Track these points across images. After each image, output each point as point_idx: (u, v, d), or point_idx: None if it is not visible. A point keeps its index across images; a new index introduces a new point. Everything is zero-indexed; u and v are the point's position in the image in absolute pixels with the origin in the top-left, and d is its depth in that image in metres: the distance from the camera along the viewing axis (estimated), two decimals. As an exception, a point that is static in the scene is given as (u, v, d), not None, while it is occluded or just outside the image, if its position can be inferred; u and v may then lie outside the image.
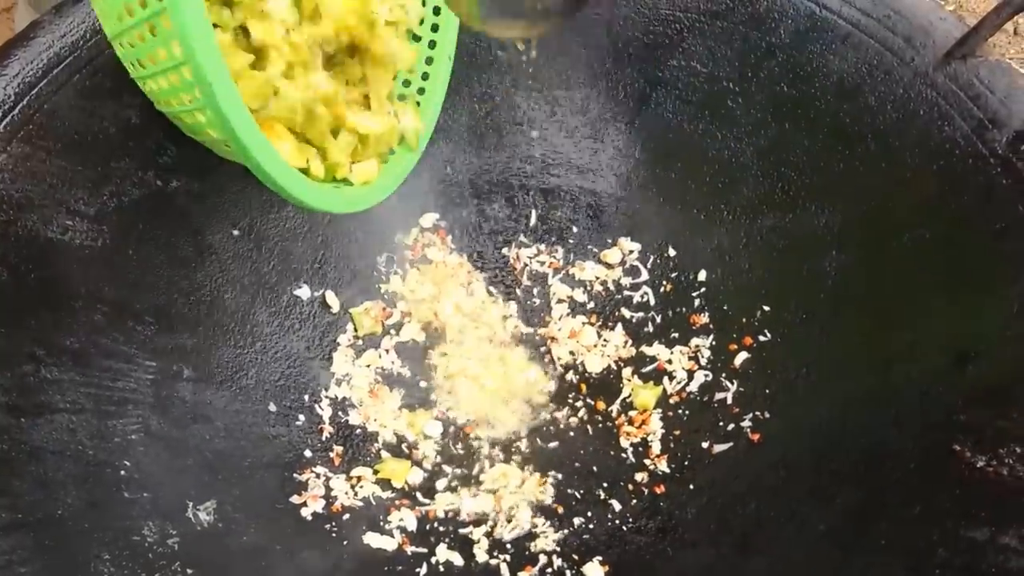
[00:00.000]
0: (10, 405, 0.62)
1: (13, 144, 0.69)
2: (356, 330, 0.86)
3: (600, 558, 0.72)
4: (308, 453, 0.78)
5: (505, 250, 0.93)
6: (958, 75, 0.74)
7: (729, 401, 0.79)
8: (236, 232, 0.82)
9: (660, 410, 0.81)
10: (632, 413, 0.82)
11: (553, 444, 0.81)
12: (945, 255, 0.71)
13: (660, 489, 0.76)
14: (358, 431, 0.81)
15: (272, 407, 0.79)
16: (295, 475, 0.76)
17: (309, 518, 0.74)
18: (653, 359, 0.84)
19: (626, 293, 0.89)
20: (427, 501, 0.77)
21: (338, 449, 0.79)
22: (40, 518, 0.59)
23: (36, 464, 0.61)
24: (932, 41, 0.76)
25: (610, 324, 0.88)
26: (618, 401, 0.83)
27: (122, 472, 0.66)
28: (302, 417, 0.80)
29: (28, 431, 0.62)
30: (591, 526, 0.75)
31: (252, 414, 0.77)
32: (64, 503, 0.61)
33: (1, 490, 0.58)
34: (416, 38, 0.77)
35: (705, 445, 0.78)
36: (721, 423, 0.78)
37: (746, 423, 0.77)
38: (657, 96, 0.89)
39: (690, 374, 0.83)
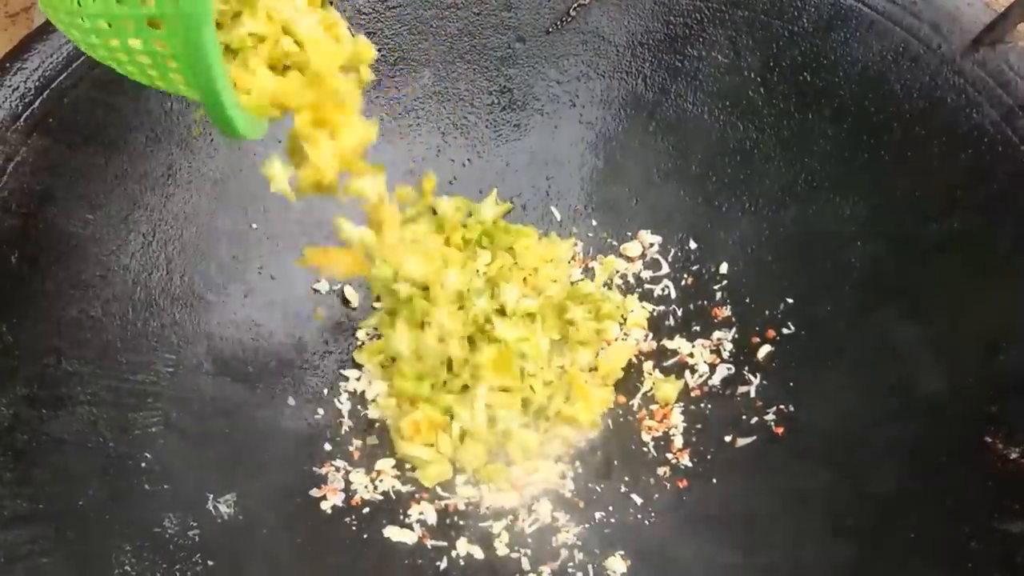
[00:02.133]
0: (32, 397, 0.62)
1: (33, 137, 0.69)
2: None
3: (622, 552, 0.72)
4: (328, 447, 0.78)
5: (525, 243, 0.92)
6: (987, 62, 0.72)
7: (752, 395, 0.78)
8: (255, 225, 0.82)
9: (682, 404, 0.80)
10: (653, 407, 0.81)
11: (575, 437, 0.80)
12: (974, 245, 0.70)
13: (683, 483, 0.75)
14: (377, 425, 0.81)
15: (291, 400, 0.79)
16: (315, 468, 0.76)
17: (329, 511, 0.73)
18: (675, 352, 0.83)
19: (647, 286, 0.88)
20: (447, 495, 0.77)
21: (357, 443, 0.79)
22: (61, 509, 0.59)
23: (57, 456, 0.61)
24: (959, 27, 0.74)
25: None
26: (639, 395, 0.82)
27: (143, 464, 0.66)
28: (321, 411, 0.80)
29: (49, 423, 0.62)
30: (612, 520, 0.75)
31: (271, 407, 0.77)
32: (85, 494, 0.61)
33: (23, 481, 0.58)
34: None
35: (728, 439, 0.77)
36: (744, 417, 0.77)
37: (770, 416, 0.76)
38: (678, 87, 0.88)
39: (712, 367, 0.82)
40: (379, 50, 0.85)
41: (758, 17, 0.83)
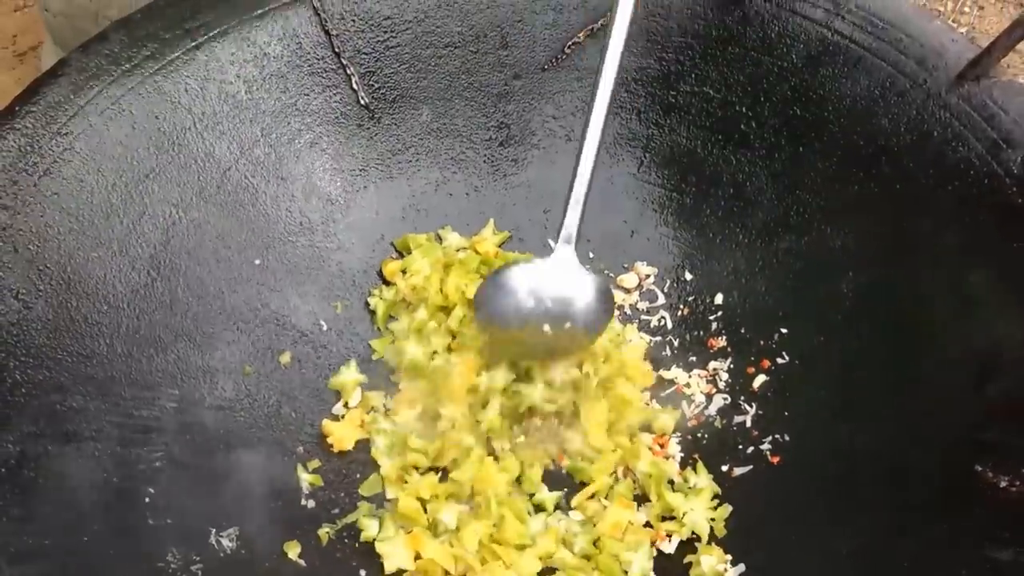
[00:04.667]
0: (38, 433, 0.64)
1: (42, 179, 0.71)
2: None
3: (620, 583, 0.72)
4: (324, 484, 0.78)
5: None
6: (971, 96, 0.74)
7: (748, 424, 0.79)
8: (257, 261, 0.83)
9: (679, 434, 0.81)
10: (651, 437, 0.82)
11: (572, 468, 0.81)
12: (962, 275, 0.71)
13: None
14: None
15: (293, 437, 0.80)
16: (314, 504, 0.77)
17: (326, 545, 0.74)
18: (671, 383, 0.84)
19: (643, 317, 0.89)
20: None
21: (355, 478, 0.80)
22: (66, 545, 0.60)
23: (63, 491, 0.62)
24: (945, 63, 0.76)
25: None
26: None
27: (146, 499, 0.66)
28: (319, 448, 0.80)
29: (55, 459, 0.63)
30: (612, 550, 0.75)
31: (273, 442, 0.78)
32: (90, 530, 0.61)
33: (29, 517, 0.59)
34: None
35: (724, 468, 0.77)
36: (740, 446, 0.78)
37: (766, 446, 0.77)
38: (671, 121, 0.90)
39: (708, 397, 0.83)
40: (379, 88, 0.88)
41: (748, 53, 0.85)
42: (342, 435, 0.79)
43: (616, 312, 0.90)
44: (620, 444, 0.79)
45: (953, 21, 1.52)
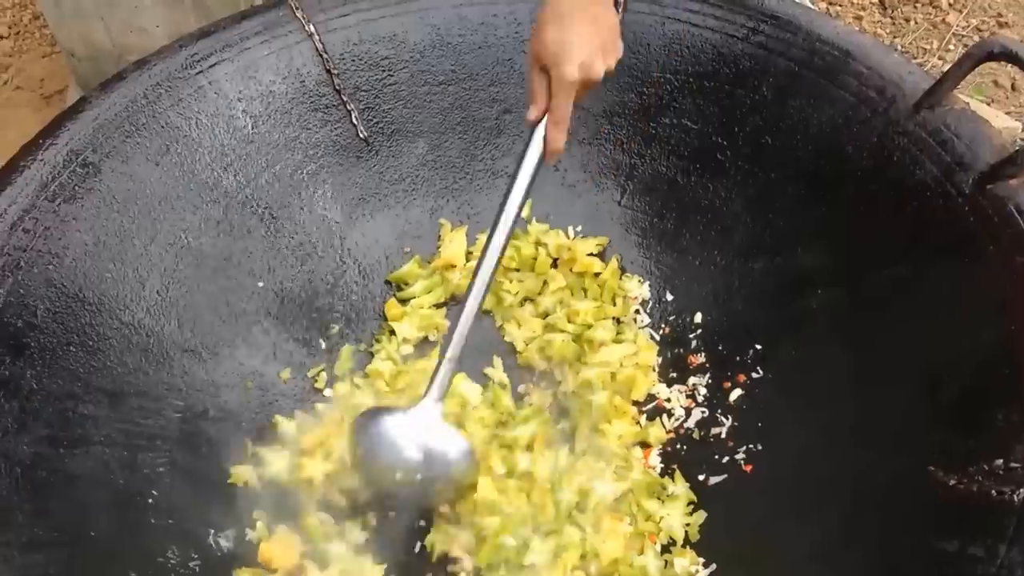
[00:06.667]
0: (51, 437, 0.68)
1: (62, 206, 0.76)
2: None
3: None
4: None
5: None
6: (927, 123, 0.79)
7: (724, 435, 0.83)
8: (260, 283, 0.88)
9: (659, 446, 0.85)
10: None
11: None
12: (920, 289, 0.75)
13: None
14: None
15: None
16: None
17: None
18: (653, 397, 0.88)
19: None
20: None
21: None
22: (75, 538, 0.64)
23: (73, 490, 0.67)
24: (903, 93, 0.81)
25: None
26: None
27: (150, 500, 0.71)
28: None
29: (66, 460, 0.68)
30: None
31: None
32: (96, 526, 0.66)
33: (41, 512, 0.64)
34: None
35: (701, 478, 0.81)
36: (716, 456, 0.82)
37: (740, 455, 0.80)
38: (652, 151, 0.95)
39: (688, 411, 0.86)
40: (377, 122, 0.94)
41: (723, 87, 0.91)
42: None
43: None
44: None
45: (939, 58, 1.57)
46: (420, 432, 0.74)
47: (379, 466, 0.75)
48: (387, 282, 0.95)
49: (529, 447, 0.82)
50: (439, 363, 0.74)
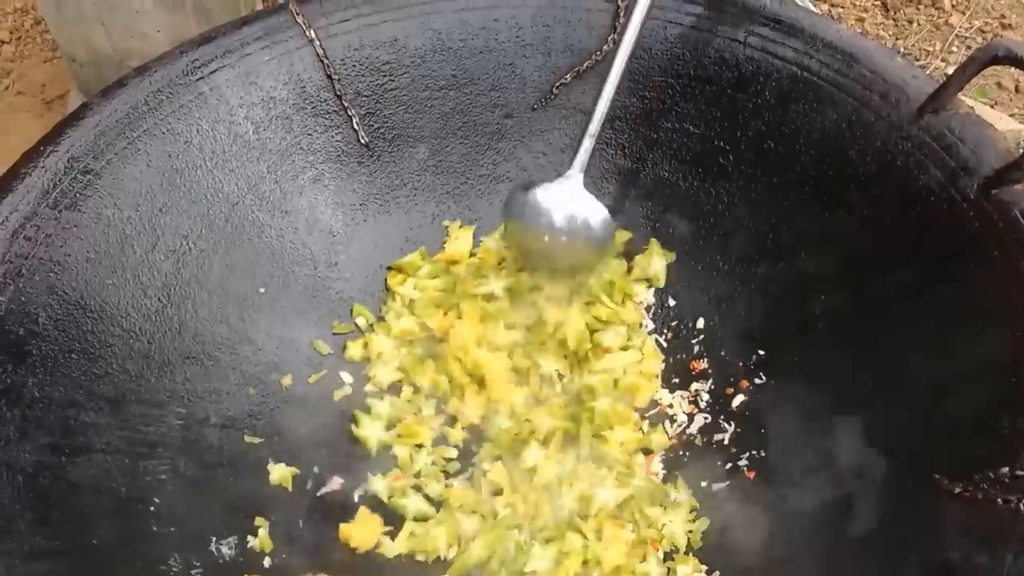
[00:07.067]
0: (53, 445, 0.68)
1: (63, 213, 0.76)
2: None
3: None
4: (323, 500, 0.82)
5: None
6: (931, 127, 0.78)
7: (726, 442, 0.83)
8: (262, 290, 0.88)
9: (662, 452, 0.85)
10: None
11: (560, 486, 0.84)
12: (925, 296, 0.74)
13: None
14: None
15: (292, 457, 0.84)
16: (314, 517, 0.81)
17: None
18: (655, 403, 0.88)
19: (630, 342, 0.93)
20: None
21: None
22: (76, 546, 0.64)
23: (74, 498, 0.67)
24: (906, 97, 0.80)
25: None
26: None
27: (151, 508, 0.71)
28: (317, 468, 0.85)
29: (68, 469, 0.68)
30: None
31: (274, 459, 0.82)
32: (98, 534, 0.66)
33: (43, 521, 0.64)
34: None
35: (704, 484, 0.81)
36: (719, 463, 0.81)
37: (743, 462, 0.80)
38: (654, 156, 0.95)
39: (690, 417, 0.86)
40: (378, 128, 0.94)
41: (724, 91, 0.90)
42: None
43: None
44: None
45: (941, 60, 1.57)
46: (565, 200, 0.84)
47: (529, 230, 0.86)
48: (388, 275, 0.96)
49: (546, 442, 0.82)
50: (580, 138, 0.84)
